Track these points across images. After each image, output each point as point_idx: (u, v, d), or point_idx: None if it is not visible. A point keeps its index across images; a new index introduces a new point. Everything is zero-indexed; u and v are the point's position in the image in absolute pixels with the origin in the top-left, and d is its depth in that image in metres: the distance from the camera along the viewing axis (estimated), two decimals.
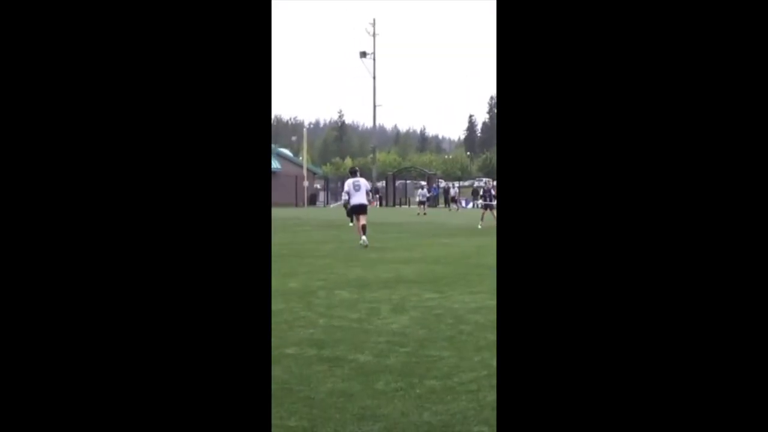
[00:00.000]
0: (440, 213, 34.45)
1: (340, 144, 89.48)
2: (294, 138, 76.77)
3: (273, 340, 5.05)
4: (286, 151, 58.50)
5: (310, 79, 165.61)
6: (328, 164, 66.48)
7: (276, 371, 4.18)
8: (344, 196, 15.78)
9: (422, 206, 32.76)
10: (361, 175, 15.32)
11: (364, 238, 13.56)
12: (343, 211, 22.89)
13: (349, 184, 14.57)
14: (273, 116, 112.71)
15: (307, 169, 45.76)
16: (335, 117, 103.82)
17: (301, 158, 53.41)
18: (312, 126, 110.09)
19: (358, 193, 14.36)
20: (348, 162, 63.72)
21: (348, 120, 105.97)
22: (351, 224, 17.20)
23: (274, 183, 50.98)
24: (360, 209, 14.20)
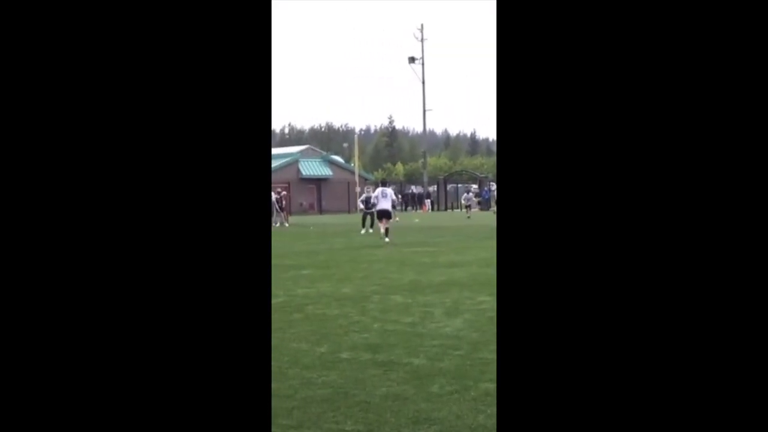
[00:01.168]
0: (492, 216, 34.21)
1: (390, 149, 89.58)
2: (345, 145, 77.18)
3: (329, 345, 5.10)
4: (338, 158, 58.84)
5: (360, 86, 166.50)
6: (379, 170, 66.63)
7: (332, 376, 4.22)
8: (360, 205, 18.75)
9: (468, 209, 32.95)
10: (413, 180, 16.55)
11: (386, 239, 16.01)
12: (399, 216, 22.89)
13: (378, 191, 17.15)
14: (324, 123, 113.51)
15: (359, 175, 45.98)
16: (386, 123, 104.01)
17: (352, 164, 53.68)
18: (363, 132, 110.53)
19: (384, 199, 16.83)
20: (399, 167, 63.75)
21: (398, 125, 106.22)
22: (362, 232, 18.64)
23: (327, 190, 51.31)
24: (385, 214, 16.79)
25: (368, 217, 19.72)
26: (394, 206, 17.70)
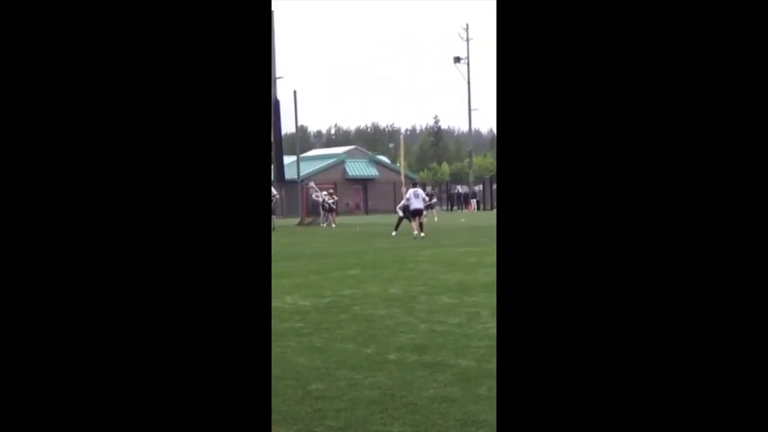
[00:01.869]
0: None
1: (436, 149, 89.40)
2: (391, 145, 77.24)
3: (376, 345, 5.09)
4: (384, 158, 58.92)
5: (405, 86, 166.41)
6: (425, 170, 66.54)
7: (379, 377, 4.21)
8: (404, 202, 20.07)
9: None
10: (459, 180, 17.32)
11: (422, 234, 18.14)
12: (445, 216, 22.90)
13: (410, 192, 19.26)
14: (371, 123, 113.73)
15: (405, 176, 45.98)
16: (431, 123, 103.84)
17: (398, 165, 53.71)
18: (408, 132, 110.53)
19: (417, 199, 18.92)
20: (444, 167, 63.61)
21: (444, 125, 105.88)
22: (394, 233, 19.50)
23: (373, 190, 51.41)
24: (417, 212, 18.94)
25: (402, 222, 20.22)
26: (429, 206, 20.22)
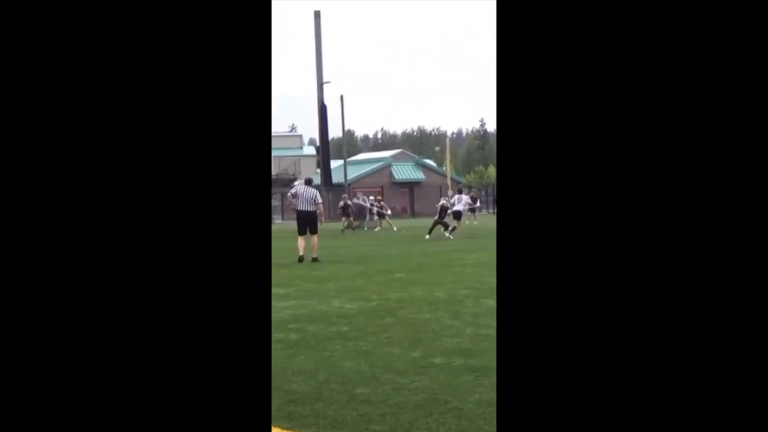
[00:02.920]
0: None
1: (482, 152, 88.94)
2: (437, 148, 77.06)
3: (421, 349, 5.07)
4: (430, 162, 58.81)
5: (451, 89, 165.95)
6: (471, 173, 66.28)
7: (424, 381, 4.18)
8: (443, 201, 21.55)
9: None
10: None
11: (451, 236, 19.52)
12: (491, 220, 22.91)
13: (455, 197, 20.90)
14: (417, 127, 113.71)
15: (451, 179, 45.81)
16: (477, 126, 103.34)
17: (444, 168, 53.60)
18: (454, 136, 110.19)
19: (459, 203, 20.64)
20: (491, 170, 63.24)
21: (490, 128, 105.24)
22: (427, 237, 19.94)
23: (419, 193, 51.36)
24: (458, 215, 20.58)
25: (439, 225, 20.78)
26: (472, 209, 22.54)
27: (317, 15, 32.36)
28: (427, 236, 19.93)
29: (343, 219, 26.86)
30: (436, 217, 20.94)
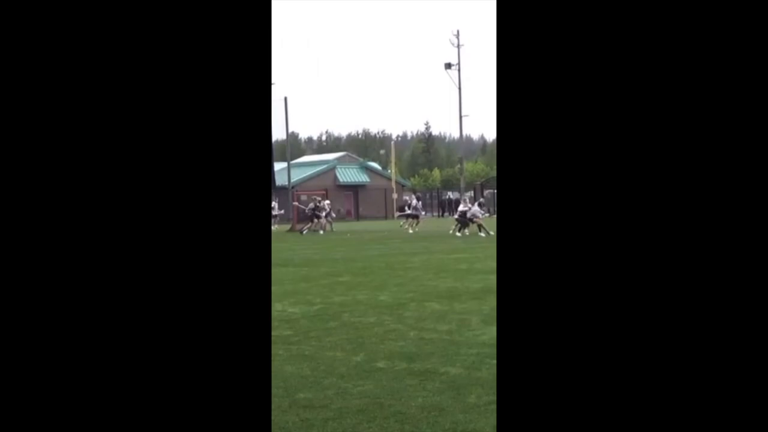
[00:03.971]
0: None
1: (427, 155, 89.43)
2: (382, 151, 77.22)
3: (365, 353, 5.06)
4: (375, 165, 58.90)
5: (396, 92, 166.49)
6: (416, 176, 66.59)
7: (367, 385, 4.17)
8: (463, 208, 22.61)
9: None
10: (450, 186, 18.22)
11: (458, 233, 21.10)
12: (436, 222, 23.19)
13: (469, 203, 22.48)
14: (362, 130, 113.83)
15: (396, 182, 45.94)
16: (422, 129, 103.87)
17: (389, 171, 53.71)
18: (399, 139, 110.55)
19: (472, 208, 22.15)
20: (436, 173, 63.68)
21: (435, 131, 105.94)
22: (459, 234, 21.19)
23: (363, 196, 51.38)
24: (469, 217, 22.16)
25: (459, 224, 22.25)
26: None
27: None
28: (458, 234, 21.20)
29: (315, 221, 26.89)
30: (456, 218, 22.35)
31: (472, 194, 23.66)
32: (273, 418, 3.58)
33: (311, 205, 27.76)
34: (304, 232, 26.14)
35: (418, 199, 27.12)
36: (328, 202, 28.81)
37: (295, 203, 29.88)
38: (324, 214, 27.68)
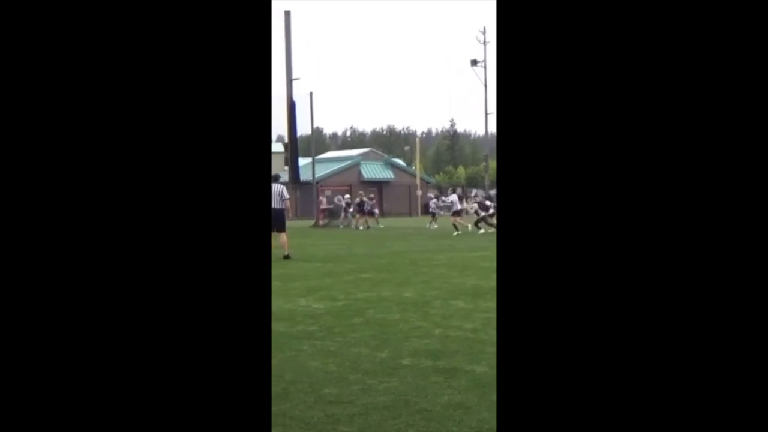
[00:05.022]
0: None
1: (452, 153, 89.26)
2: (407, 148, 77.16)
3: (390, 350, 5.07)
4: (400, 161, 58.89)
5: (422, 89, 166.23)
6: (440, 173, 66.50)
7: (392, 382, 4.18)
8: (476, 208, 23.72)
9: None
10: (475, 184, 18.49)
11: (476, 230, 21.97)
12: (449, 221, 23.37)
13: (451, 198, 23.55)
14: (386, 126, 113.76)
15: (420, 179, 45.89)
16: (447, 126, 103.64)
17: (414, 168, 53.70)
18: (424, 135, 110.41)
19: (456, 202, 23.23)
20: (461, 170, 63.57)
21: (460, 128, 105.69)
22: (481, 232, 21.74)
23: (388, 193, 51.40)
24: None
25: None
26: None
27: (287, 14, 32.35)
28: (482, 231, 21.88)
29: (357, 216, 27.11)
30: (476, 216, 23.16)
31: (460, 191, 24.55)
32: (298, 413, 3.61)
33: (357, 200, 27.83)
34: (361, 228, 26.29)
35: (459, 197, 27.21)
36: (372, 196, 29.02)
37: (342, 198, 29.99)
38: (368, 209, 27.77)
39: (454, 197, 23.33)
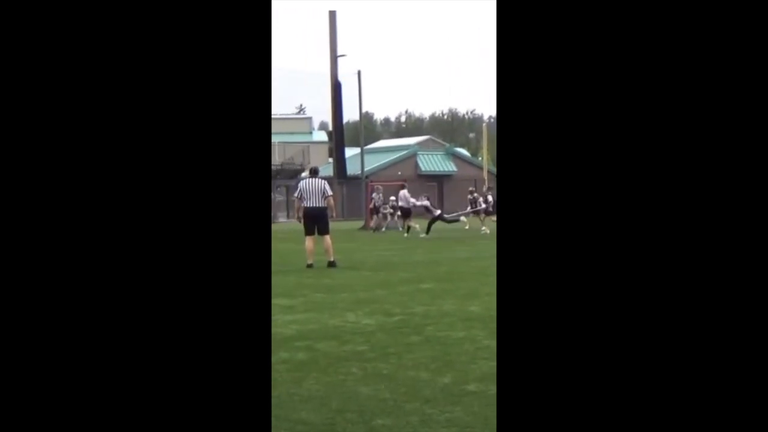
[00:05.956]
0: None
1: None
2: (472, 135, 76.94)
3: (453, 374, 5.07)
4: (463, 151, 58.75)
5: (489, 66, 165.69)
6: None
7: (456, 412, 4.18)
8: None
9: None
10: None
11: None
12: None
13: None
14: (447, 110, 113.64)
15: (488, 171, 45.67)
16: None
17: (480, 158, 53.39)
18: (493, 120, 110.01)
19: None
20: None
21: None
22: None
23: (449, 188, 51.33)
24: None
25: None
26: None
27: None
28: (488, 230, 22.68)
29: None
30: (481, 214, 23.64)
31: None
32: None
33: (424, 201, 27.66)
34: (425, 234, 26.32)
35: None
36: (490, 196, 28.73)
37: (418, 200, 29.80)
38: (482, 208, 27.54)
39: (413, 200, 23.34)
